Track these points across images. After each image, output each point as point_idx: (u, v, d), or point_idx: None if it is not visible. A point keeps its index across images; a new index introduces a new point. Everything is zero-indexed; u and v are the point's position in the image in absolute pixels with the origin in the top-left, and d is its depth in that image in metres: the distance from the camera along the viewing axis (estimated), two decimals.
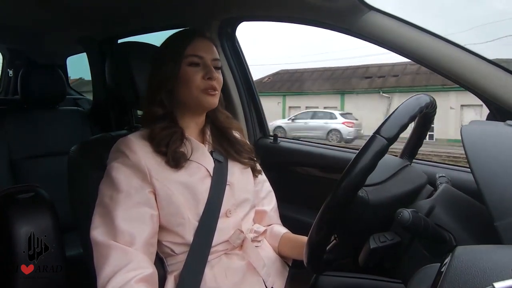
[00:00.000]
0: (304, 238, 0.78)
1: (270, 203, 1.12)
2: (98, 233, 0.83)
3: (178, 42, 0.94)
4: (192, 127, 0.98)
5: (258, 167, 1.08)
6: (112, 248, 0.80)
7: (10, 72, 2.59)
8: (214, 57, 0.95)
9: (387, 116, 0.69)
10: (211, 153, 0.97)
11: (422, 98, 0.74)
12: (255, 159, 1.07)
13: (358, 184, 0.66)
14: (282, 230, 1.07)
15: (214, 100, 0.94)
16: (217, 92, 0.94)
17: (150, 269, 0.82)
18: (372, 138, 0.66)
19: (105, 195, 0.86)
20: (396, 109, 0.70)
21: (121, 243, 0.81)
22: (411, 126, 0.82)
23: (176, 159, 0.89)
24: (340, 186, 0.66)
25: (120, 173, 0.86)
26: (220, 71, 0.96)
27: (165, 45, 0.97)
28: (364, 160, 0.65)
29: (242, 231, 0.95)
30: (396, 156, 0.97)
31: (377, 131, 0.66)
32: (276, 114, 14.70)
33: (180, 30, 1.00)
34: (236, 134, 1.06)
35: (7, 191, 1.16)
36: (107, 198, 0.85)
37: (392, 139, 0.66)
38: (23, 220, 1.08)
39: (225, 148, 1.01)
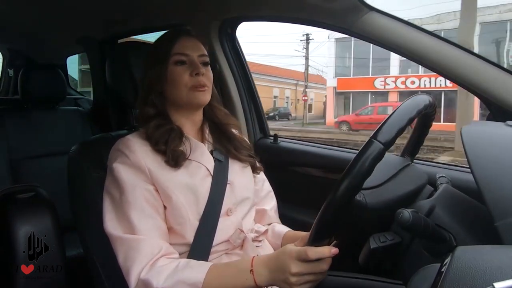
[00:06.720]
0: (306, 234, 0.77)
1: (270, 203, 1.12)
2: (118, 231, 0.84)
3: (164, 43, 0.95)
4: (188, 125, 0.98)
5: (258, 164, 1.07)
6: (141, 240, 0.82)
7: (10, 72, 2.58)
8: (201, 53, 0.95)
9: (385, 119, 0.68)
10: (212, 152, 0.97)
11: (420, 100, 0.73)
12: (254, 156, 1.06)
13: (354, 189, 0.66)
14: (283, 229, 1.07)
15: (205, 96, 0.94)
16: (206, 88, 0.93)
17: (178, 255, 0.85)
18: (368, 143, 0.65)
19: (114, 196, 0.87)
20: (393, 112, 0.69)
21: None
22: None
23: (175, 158, 0.89)
24: (337, 191, 0.66)
25: (122, 173, 0.87)
26: (209, 67, 0.96)
27: (153, 47, 0.98)
28: (360, 166, 0.64)
29: (242, 231, 0.94)
30: (397, 155, 0.97)
31: (374, 136, 0.65)
32: None
33: (167, 31, 1.00)
34: (234, 131, 1.06)
35: (7, 191, 1.16)
36: (116, 199, 0.86)
37: (389, 144, 0.65)
38: (23, 220, 1.08)
39: (224, 146, 1.00)
